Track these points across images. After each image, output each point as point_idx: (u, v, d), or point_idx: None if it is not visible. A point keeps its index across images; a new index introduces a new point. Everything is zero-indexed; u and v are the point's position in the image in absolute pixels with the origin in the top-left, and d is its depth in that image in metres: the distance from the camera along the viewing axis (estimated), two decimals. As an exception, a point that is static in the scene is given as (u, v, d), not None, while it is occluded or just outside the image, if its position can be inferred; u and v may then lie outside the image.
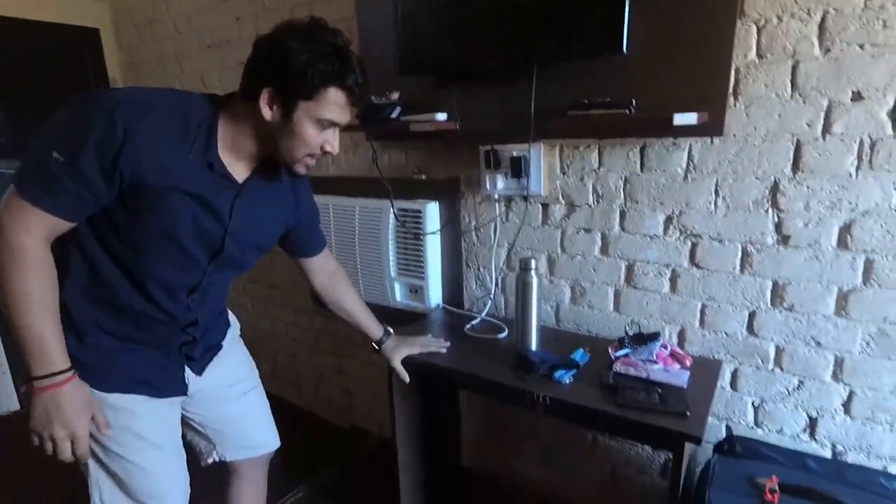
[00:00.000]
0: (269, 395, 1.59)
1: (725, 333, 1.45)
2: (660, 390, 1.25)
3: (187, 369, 1.20)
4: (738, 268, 1.40)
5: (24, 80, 2.73)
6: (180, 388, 1.20)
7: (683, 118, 1.26)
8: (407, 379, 1.50)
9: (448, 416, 2.04)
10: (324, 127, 1.04)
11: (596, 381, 1.33)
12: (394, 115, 1.76)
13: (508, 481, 2.00)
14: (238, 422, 1.37)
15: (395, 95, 1.77)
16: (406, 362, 1.52)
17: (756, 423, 1.46)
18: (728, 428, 1.50)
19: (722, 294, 1.43)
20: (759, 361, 1.42)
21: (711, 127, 1.33)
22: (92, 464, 1.10)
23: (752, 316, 1.40)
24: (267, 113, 1.00)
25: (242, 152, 1.06)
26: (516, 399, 1.36)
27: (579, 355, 1.44)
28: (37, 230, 0.92)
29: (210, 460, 1.37)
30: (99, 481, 1.12)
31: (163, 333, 1.13)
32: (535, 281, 1.46)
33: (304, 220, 1.32)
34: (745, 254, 1.38)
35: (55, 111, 0.94)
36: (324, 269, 1.44)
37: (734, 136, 1.33)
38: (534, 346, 1.50)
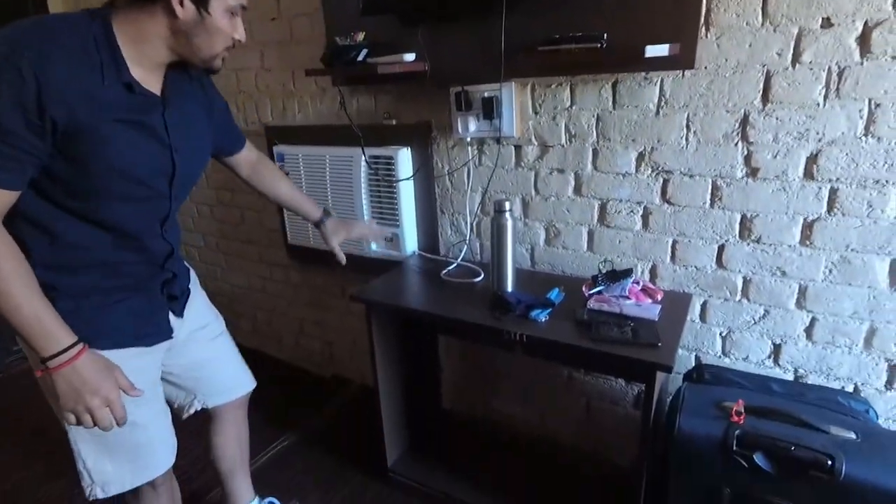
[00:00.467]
0: (251, 351, 1.57)
1: (696, 267, 1.44)
2: (632, 324, 1.25)
3: (170, 313, 1.16)
4: (708, 202, 1.37)
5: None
6: (167, 332, 1.15)
7: (655, 50, 1.21)
8: (343, 260, 1.50)
9: (428, 361, 2.03)
10: (234, 15, 0.98)
11: (571, 319, 1.31)
12: (360, 58, 1.65)
13: (488, 419, 2.02)
14: (213, 366, 1.34)
15: (361, 36, 1.66)
16: (384, 306, 1.49)
17: (724, 353, 1.48)
18: (697, 358, 1.52)
19: (692, 229, 1.41)
20: (728, 293, 1.42)
21: (683, 59, 1.28)
22: (73, 430, 1.03)
23: (721, 249, 1.39)
24: (179, 12, 0.90)
25: (151, 63, 0.96)
26: (494, 339, 1.35)
27: (554, 294, 1.42)
28: None
29: (192, 411, 1.34)
30: (84, 449, 1.07)
31: (144, 276, 1.09)
32: (509, 223, 1.41)
33: (222, 116, 1.25)
34: (715, 188, 1.35)
35: None
36: (248, 160, 1.39)
37: (705, 68, 1.28)
38: (510, 288, 1.47)
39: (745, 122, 1.27)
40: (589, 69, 1.42)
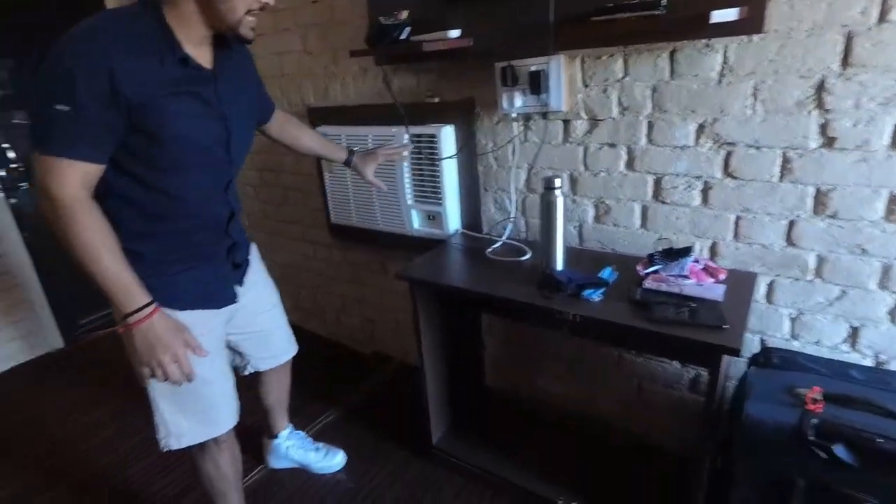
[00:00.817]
0: (295, 327, 1.60)
1: (762, 245, 1.33)
2: (693, 305, 1.16)
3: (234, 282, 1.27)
4: (777, 176, 1.25)
5: (30, 30, 2.53)
6: (232, 297, 1.25)
7: (722, 14, 1.08)
8: (383, 187, 1.67)
9: (471, 339, 1.98)
10: None
11: (625, 299, 1.23)
12: (403, 36, 1.58)
13: (532, 398, 1.96)
14: (267, 334, 1.45)
15: (404, 15, 1.58)
16: (430, 285, 1.48)
17: (792, 336, 1.36)
18: (762, 341, 1.41)
19: (758, 204, 1.30)
20: (798, 272, 1.30)
21: (750, 23, 1.15)
22: (152, 388, 1.14)
23: (791, 225, 1.27)
24: None
25: (198, 38, 1.02)
26: (544, 319, 1.28)
27: (607, 273, 1.34)
28: (73, 181, 0.93)
29: (245, 373, 1.47)
30: (161, 404, 1.17)
31: (211, 242, 1.18)
32: (559, 200, 1.33)
33: (259, 89, 1.34)
34: (786, 160, 1.23)
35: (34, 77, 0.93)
36: (277, 121, 1.47)
37: (775, 31, 1.15)
38: (559, 267, 1.40)
39: (820, 88, 1.14)
40: (645, 38, 1.31)
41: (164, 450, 1.20)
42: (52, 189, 0.92)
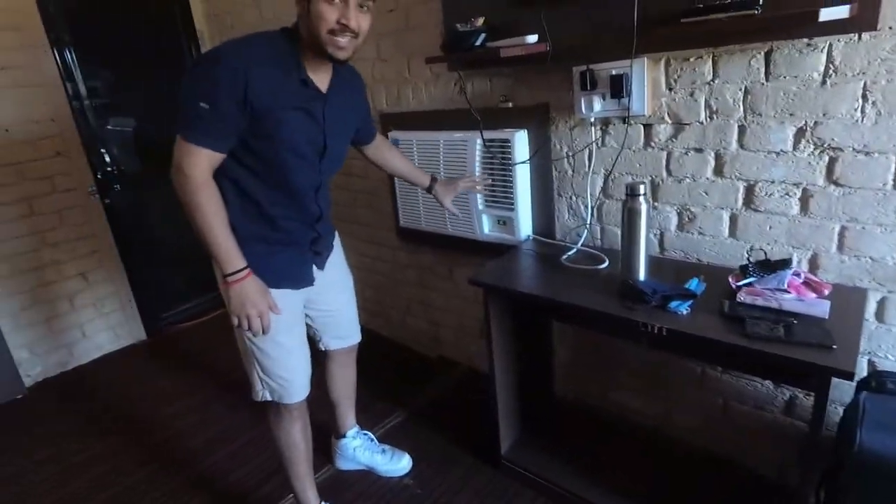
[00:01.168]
0: (362, 328, 1.65)
1: (871, 258, 1.22)
2: (795, 321, 1.08)
3: (314, 266, 1.42)
4: (890, 183, 1.15)
5: (126, 44, 2.74)
6: (310, 280, 1.41)
7: (832, 12, 1.01)
8: (459, 214, 1.76)
9: (541, 347, 1.94)
10: (331, 2, 1.09)
11: (716, 312, 1.17)
12: (478, 43, 1.58)
13: (604, 410, 1.90)
14: (338, 315, 1.60)
15: (480, 21, 1.58)
16: (505, 291, 1.48)
17: (904, 359, 1.25)
18: (871, 363, 1.30)
19: (868, 214, 1.20)
20: (912, 288, 1.19)
21: (862, 20, 1.07)
22: (250, 346, 1.34)
23: (904, 237, 1.17)
24: (298, 9, 1.14)
25: (317, 63, 1.20)
26: (626, 331, 1.23)
27: (694, 284, 1.28)
28: (202, 165, 1.13)
29: (319, 347, 1.62)
30: (255, 363, 1.37)
31: (297, 232, 1.34)
32: (643, 207, 1.29)
33: (364, 115, 1.50)
34: (901, 166, 1.13)
35: (184, 75, 1.14)
36: (376, 145, 1.62)
37: (889, 28, 1.06)
38: (641, 277, 1.34)
39: (947, 86, 1.04)
40: (738, 38, 1.24)
41: (259, 399, 1.42)
42: (185, 168, 1.12)
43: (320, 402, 1.67)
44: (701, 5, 1.17)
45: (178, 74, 2.86)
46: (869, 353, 1.29)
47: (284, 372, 1.38)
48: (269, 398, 1.41)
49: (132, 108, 2.80)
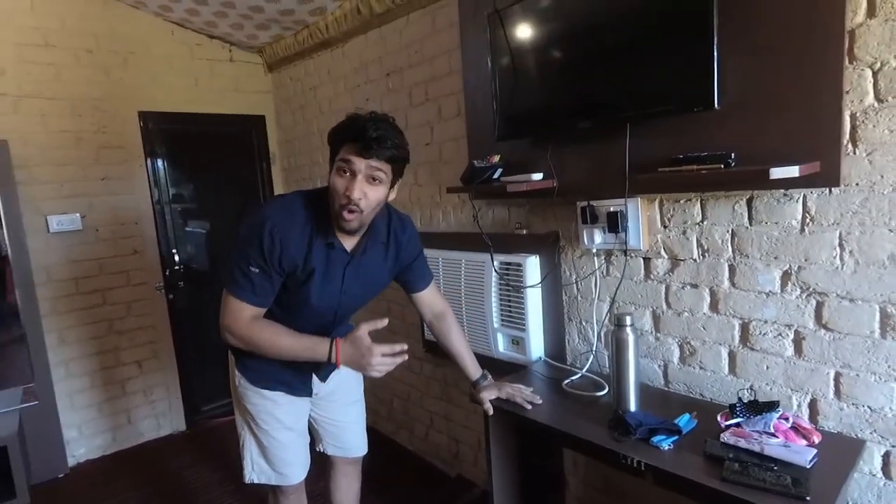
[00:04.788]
0: (385, 437, 1.74)
1: (869, 408, 1.22)
2: (775, 467, 1.08)
3: (314, 377, 1.54)
4: (877, 332, 1.18)
5: (210, 158, 3.28)
6: (307, 391, 1.54)
7: (783, 171, 1.12)
8: (490, 410, 1.56)
9: (551, 475, 1.92)
10: (344, 174, 1.22)
11: (699, 451, 1.19)
12: (496, 176, 1.81)
13: (617, 554, 1.81)
14: (341, 425, 1.68)
15: (496, 158, 1.82)
16: (503, 416, 1.52)
17: (920, 523, 1.18)
18: (883, 525, 1.23)
19: (860, 361, 1.21)
20: (916, 445, 1.16)
21: (825, 177, 1.18)
22: (245, 434, 1.53)
23: (901, 389, 1.17)
24: (328, 182, 1.27)
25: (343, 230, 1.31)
26: (613, 462, 1.26)
27: (684, 421, 1.30)
28: (247, 316, 1.29)
29: (318, 448, 1.71)
30: (250, 447, 1.53)
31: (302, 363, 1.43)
32: (631, 338, 1.37)
33: (408, 263, 1.53)
34: (885, 315, 1.16)
35: (239, 224, 1.34)
36: (432, 306, 1.62)
37: (857, 185, 1.17)
38: (633, 407, 1.39)
39: (916, 242, 1.11)
40: (717, 187, 1.38)
41: (247, 481, 1.54)
42: (231, 323, 1.29)
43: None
44: (681, 156, 1.33)
45: (250, 188, 3.44)
46: (881, 513, 1.22)
47: (280, 462, 1.52)
48: (255, 481, 1.54)
49: (208, 214, 3.28)
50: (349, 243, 1.35)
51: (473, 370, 1.61)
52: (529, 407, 1.50)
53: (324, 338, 1.29)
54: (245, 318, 1.29)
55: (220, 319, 1.31)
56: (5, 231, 2.45)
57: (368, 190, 1.22)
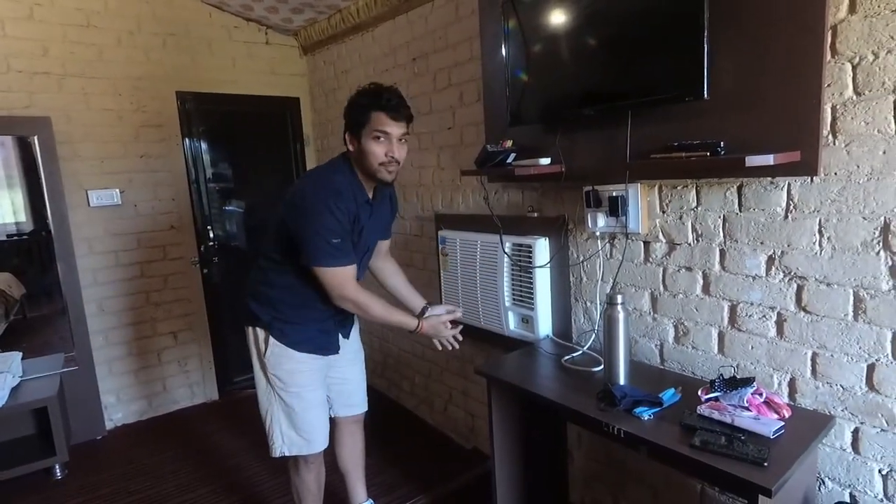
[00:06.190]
0: (407, 411, 1.98)
1: (841, 387, 1.34)
2: (742, 437, 1.23)
3: (340, 336, 1.86)
4: (850, 314, 1.30)
5: (246, 139, 3.56)
6: (336, 348, 1.84)
7: (758, 160, 1.24)
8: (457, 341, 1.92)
9: (554, 448, 2.10)
10: (381, 139, 1.59)
11: (677, 421, 1.34)
12: (509, 161, 1.96)
13: (615, 524, 1.98)
14: (350, 383, 1.96)
15: (508, 143, 1.98)
16: (502, 383, 1.75)
17: (886, 496, 1.30)
18: (853, 497, 1.36)
19: (834, 342, 1.33)
20: (883, 422, 1.28)
21: (804, 166, 1.30)
22: (274, 407, 1.76)
23: (870, 369, 1.29)
24: (351, 148, 1.65)
25: (369, 184, 1.70)
26: (596, 430, 1.43)
27: (668, 395, 1.46)
28: (350, 278, 1.64)
29: (330, 414, 1.94)
30: (279, 420, 1.76)
31: (329, 311, 1.75)
32: (621, 315, 1.52)
33: (393, 217, 1.95)
34: (858, 299, 1.28)
35: (289, 209, 1.65)
36: (383, 253, 2.00)
37: (835, 174, 1.28)
38: (622, 381, 1.54)
39: (886, 230, 1.22)
40: (708, 174, 1.51)
41: (277, 454, 1.77)
42: (342, 291, 1.62)
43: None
44: (675, 144, 1.46)
45: (284, 169, 3.70)
46: (849, 485, 1.35)
47: (308, 426, 1.76)
48: (286, 453, 1.77)
49: (244, 193, 3.57)
50: (370, 194, 1.72)
51: (419, 301, 1.97)
52: (459, 314, 1.89)
53: (412, 316, 1.78)
54: (352, 282, 1.63)
55: (333, 292, 1.62)
56: (48, 204, 2.74)
57: (401, 150, 1.63)
